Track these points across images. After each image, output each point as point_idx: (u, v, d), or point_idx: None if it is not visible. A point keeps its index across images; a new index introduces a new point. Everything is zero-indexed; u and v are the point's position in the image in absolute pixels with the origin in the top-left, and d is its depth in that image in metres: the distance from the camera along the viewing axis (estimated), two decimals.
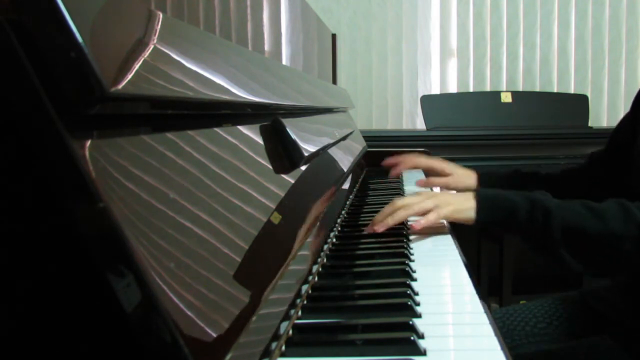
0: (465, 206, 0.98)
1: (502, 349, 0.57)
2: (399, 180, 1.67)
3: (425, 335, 0.60)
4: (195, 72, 0.56)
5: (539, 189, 1.00)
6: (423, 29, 3.06)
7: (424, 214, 0.99)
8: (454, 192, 1.37)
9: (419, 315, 0.66)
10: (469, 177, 1.38)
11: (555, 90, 3.07)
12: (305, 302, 0.70)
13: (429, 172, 1.51)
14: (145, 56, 0.46)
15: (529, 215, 0.92)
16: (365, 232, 1.01)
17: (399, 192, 1.48)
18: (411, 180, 1.61)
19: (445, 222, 1.09)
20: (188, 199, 0.48)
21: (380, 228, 0.99)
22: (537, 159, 2.44)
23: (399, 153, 1.69)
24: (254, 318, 0.49)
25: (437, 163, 1.44)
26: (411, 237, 1.03)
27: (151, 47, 0.47)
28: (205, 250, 0.48)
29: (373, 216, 1.06)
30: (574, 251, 0.90)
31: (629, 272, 1.06)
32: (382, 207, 1.04)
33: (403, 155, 1.54)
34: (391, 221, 0.99)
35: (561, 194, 0.98)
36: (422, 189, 1.41)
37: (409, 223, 1.02)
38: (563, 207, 0.91)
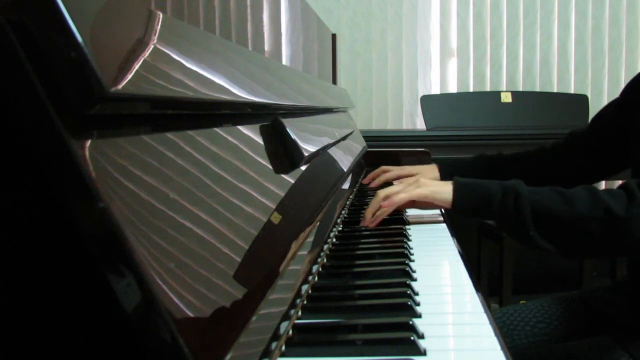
0: (442, 189, 1.04)
1: (502, 349, 0.57)
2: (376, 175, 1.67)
3: (425, 335, 0.60)
4: (195, 72, 0.56)
5: (509, 169, 1.06)
6: (423, 29, 3.06)
7: (407, 202, 1.07)
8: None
9: (419, 315, 0.66)
10: (432, 170, 1.42)
11: (555, 90, 3.07)
12: (305, 302, 0.70)
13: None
14: (145, 56, 0.46)
15: (501, 200, 0.97)
16: (359, 226, 1.09)
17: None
18: None
19: (439, 212, 1.20)
20: (188, 199, 0.48)
21: (372, 224, 1.07)
22: None
23: (399, 153, 1.69)
24: (254, 318, 0.49)
25: (404, 171, 1.50)
26: (411, 237, 1.03)
27: (151, 47, 0.47)
28: (206, 250, 0.48)
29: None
30: (544, 233, 0.94)
31: (595, 254, 1.13)
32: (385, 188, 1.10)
33: (374, 172, 1.56)
34: (381, 216, 1.07)
35: (533, 175, 1.05)
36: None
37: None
38: (533, 192, 0.96)
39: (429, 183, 1.07)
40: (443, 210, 1.29)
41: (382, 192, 1.08)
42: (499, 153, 1.42)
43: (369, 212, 1.09)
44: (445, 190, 1.04)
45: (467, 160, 1.43)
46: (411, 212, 1.26)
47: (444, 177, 1.38)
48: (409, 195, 1.05)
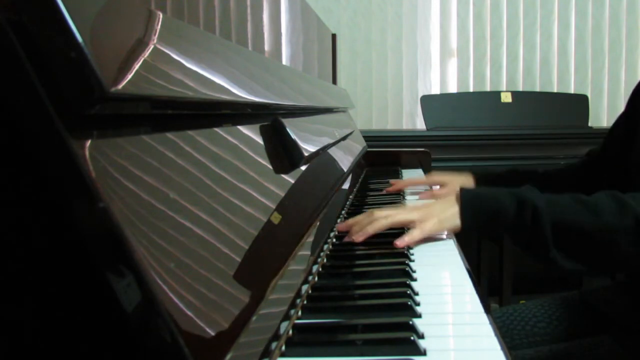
0: (448, 213, 0.92)
1: (502, 349, 0.57)
2: (399, 180, 1.67)
3: (425, 335, 0.60)
4: (195, 72, 0.56)
5: (542, 185, 0.94)
6: (423, 29, 3.06)
7: (405, 224, 0.95)
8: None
9: (419, 315, 0.66)
10: (466, 183, 1.37)
11: (555, 90, 3.07)
12: (305, 302, 0.70)
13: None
14: (145, 56, 0.46)
15: (516, 214, 0.87)
16: (345, 241, 0.95)
17: (399, 192, 1.48)
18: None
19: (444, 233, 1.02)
20: (188, 199, 0.48)
21: (359, 238, 0.93)
22: (537, 159, 2.45)
23: (399, 153, 1.69)
24: (254, 318, 0.49)
25: (434, 179, 1.44)
26: None
27: (151, 47, 0.47)
28: (206, 250, 0.48)
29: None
30: (567, 249, 0.84)
31: (625, 268, 1.01)
32: (382, 208, 1.01)
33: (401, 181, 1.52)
34: (371, 230, 0.92)
35: (558, 193, 0.93)
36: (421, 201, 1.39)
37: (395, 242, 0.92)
38: (553, 203, 0.86)
39: (434, 211, 0.93)
40: None
41: (378, 212, 0.95)
42: (534, 169, 1.37)
43: (358, 227, 0.95)
44: (450, 213, 0.92)
45: (502, 173, 1.38)
46: None
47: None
48: (421, 233, 0.91)
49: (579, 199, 0.87)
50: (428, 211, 0.94)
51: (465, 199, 0.92)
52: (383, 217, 0.93)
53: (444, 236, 1.00)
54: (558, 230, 0.84)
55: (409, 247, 0.93)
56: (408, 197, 1.47)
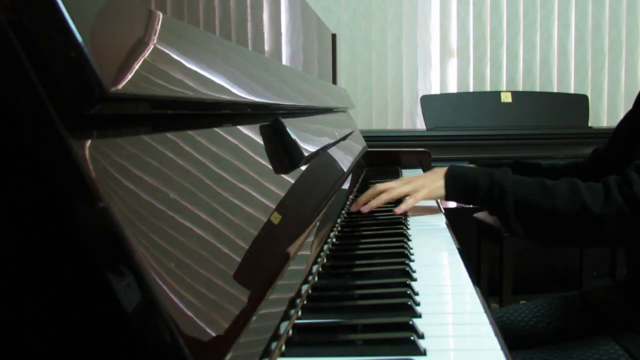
0: (435, 185, 1.12)
1: (502, 349, 0.57)
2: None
3: (425, 335, 0.60)
4: (195, 72, 0.56)
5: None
6: (423, 29, 3.06)
7: (403, 196, 1.15)
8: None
9: (419, 315, 0.65)
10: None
11: (555, 90, 3.08)
12: (305, 302, 0.70)
13: None
14: (145, 56, 0.46)
15: (487, 191, 1.04)
16: (351, 210, 1.18)
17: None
18: None
19: (436, 202, 1.31)
20: (188, 199, 0.48)
21: (365, 209, 1.15)
22: (537, 159, 2.43)
23: (399, 153, 1.69)
24: (254, 318, 0.49)
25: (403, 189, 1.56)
26: (411, 237, 1.03)
27: (151, 47, 0.47)
28: (205, 250, 0.48)
29: (373, 217, 1.08)
30: (526, 223, 1.00)
31: (573, 244, 1.28)
32: (382, 208, 1.13)
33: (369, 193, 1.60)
34: (375, 203, 1.15)
35: None
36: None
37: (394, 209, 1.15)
38: (517, 184, 1.02)
39: (425, 183, 1.14)
40: (442, 209, 1.30)
41: (380, 186, 1.16)
42: (537, 162, 1.42)
43: (364, 197, 1.17)
44: (437, 185, 1.12)
45: (506, 165, 1.42)
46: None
47: None
48: (415, 200, 1.13)
49: (542, 182, 1.01)
50: (420, 182, 1.15)
51: (450, 174, 1.12)
52: (384, 193, 1.15)
53: (445, 234, 1.01)
54: (518, 207, 1.00)
55: (409, 245, 0.93)
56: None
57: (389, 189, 1.15)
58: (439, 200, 1.33)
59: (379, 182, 1.65)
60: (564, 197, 0.97)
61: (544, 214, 0.98)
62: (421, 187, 1.14)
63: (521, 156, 2.44)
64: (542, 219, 0.99)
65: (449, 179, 1.12)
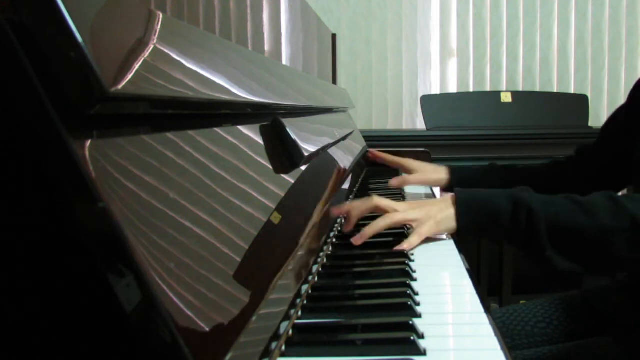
0: (444, 215, 0.92)
1: (502, 349, 0.57)
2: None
3: (425, 335, 0.60)
4: (195, 72, 0.56)
5: (522, 184, 0.94)
6: (423, 29, 3.06)
7: (403, 224, 0.96)
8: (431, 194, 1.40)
9: (419, 315, 0.65)
10: (437, 172, 1.40)
11: (555, 90, 3.07)
12: (305, 302, 0.70)
13: (402, 170, 1.58)
14: (145, 56, 0.46)
15: (512, 216, 0.86)
16: (344, 231, 0.98)
17: (399, 191, 1.48)
18: None
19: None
20: (188, 199, 0.48)
21: (358, 242, 0.92)
22: (537, 159, 2.44)
23: (399, 153, 1.69)
24: (254, 318, 0.49)
25: (405, 161, 1.50)
26: None
27: (151, 47, 0.47)
28: (206, 250, 0.48)
29: (373, 216, 1.06)
30: (562, 249, 0.84)
31: (621, 269, 1.02)
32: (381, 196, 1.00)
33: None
34: (370, 231, 0.92)
35: (546, 190, 0.93)
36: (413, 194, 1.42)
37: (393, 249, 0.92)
38: (548, 204, 0.86)
39: (431, 212, 0.93)
40: None
41: (379, 202, 0.96)
42: (513, 164, 1.39)
43: (355, 213, 0.98)
44: (447, 215, 0.92)
45: (479, 169, 1.40)
46: None
47: (455, 183, 1.37)
48: (419, 238, 0.92)
49: (575, 199, 0.86)
50: (425, 212, 0.93)
51: (461, 201, 0.91)
52: (382, 220, 0.92)
53: (444, 236, 1.00)
54: (553, 230, 0.84)
55: None
56: (406, 189, 1.48)
57: (387, 214, 0.93)
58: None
59: (379, 183, 1.66)
60: (607, 213, 0.83)
61: (585, 236, 0.83)
62: (426, 218, 0.92)
63: (521, 156, 2.44)
64: (583, 242, 0.84)
65: (460, 205, 0.91)
